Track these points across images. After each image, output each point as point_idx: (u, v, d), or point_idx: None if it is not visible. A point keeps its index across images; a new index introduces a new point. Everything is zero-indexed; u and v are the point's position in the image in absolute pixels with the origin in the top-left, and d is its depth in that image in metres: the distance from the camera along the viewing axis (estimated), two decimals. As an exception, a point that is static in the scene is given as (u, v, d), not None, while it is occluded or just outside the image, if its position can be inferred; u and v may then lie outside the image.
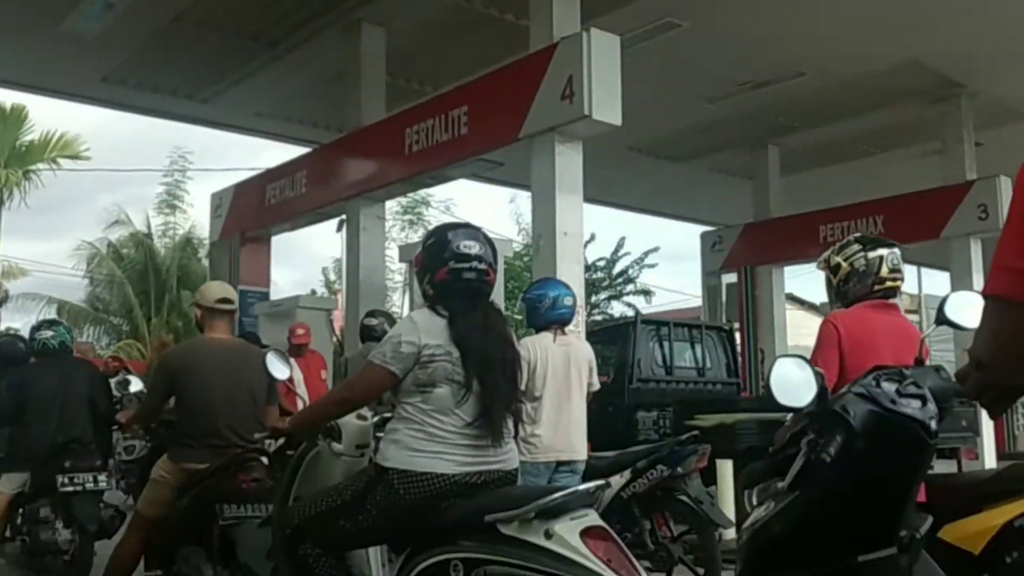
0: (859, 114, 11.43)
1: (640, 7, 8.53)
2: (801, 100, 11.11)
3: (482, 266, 2.92)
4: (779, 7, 8.97)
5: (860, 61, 9.99)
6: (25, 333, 7.56)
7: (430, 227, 20.77)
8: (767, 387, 2.09)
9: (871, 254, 3.23)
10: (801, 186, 13.31)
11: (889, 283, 3.23)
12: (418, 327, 2.85)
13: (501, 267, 6.35)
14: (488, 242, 2.99)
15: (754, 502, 2.28)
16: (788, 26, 9.37)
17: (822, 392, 2.08)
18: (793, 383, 2.10)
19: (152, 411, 4.63)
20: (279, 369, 3.70)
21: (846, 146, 12.58)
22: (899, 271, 3.27)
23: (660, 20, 8.95)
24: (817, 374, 2.09)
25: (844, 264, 3.26)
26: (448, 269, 2.89)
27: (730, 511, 6.05)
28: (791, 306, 16.49)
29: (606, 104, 6.56)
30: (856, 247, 3.27)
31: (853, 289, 3.24)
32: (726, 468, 6.62)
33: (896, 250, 3.30)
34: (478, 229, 3.02)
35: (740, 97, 11.08)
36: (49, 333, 6.13)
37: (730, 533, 6.18)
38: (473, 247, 2.91)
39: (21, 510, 6.10)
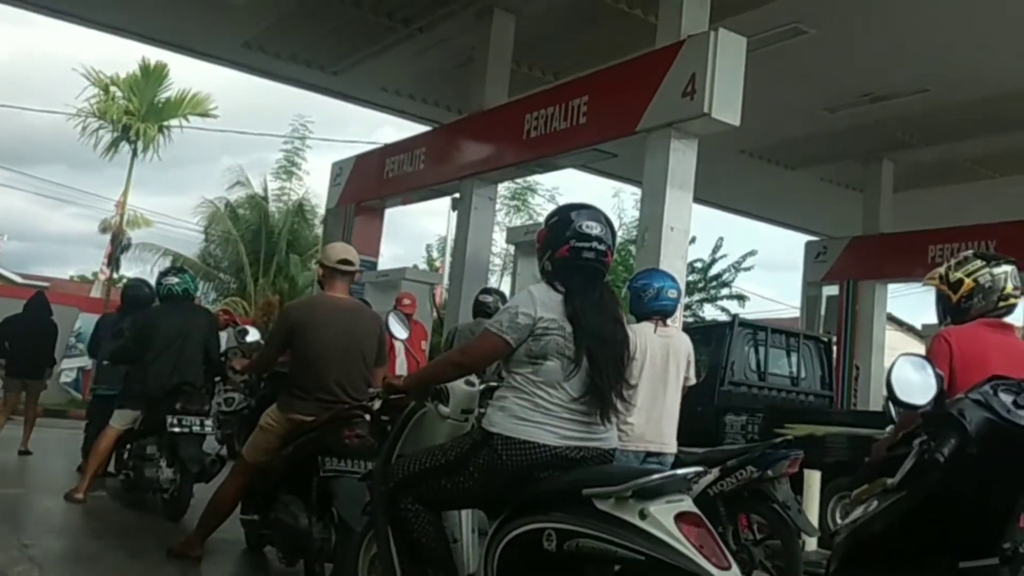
0: (980, 135, 11.09)
1: (770, 10, 8.45)
2: (922, 116, 10.83)
3: (602, 247, 2.99)
4: (910, 22, 8.77)
5: (986, 82, 9.68)
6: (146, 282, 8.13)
7: (534, 213, 20.81)
8: (887, 382, 2.10)
9: (996, 270, 3.15)
10: (912, 203, 12.97)
11: (1012, 300, 3.15)
12: (535, 300, 2.92)
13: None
14: (609, 224, 3.06)
15: (838, 518, 2.29)
16: (917, 42, 9.17)
17: (940, 394, 2.07)
18: (912, 382, 2.10)
19: (269, 359, 4.83)
20: (399, 330, 3.86)
21: (963, 167, 12.22)
22: (1020, 288, 3.18)
23: (788, 25, 8.85)
24: (937, 376, 2.08)
25: (968, 280, 3.17)
26: (569, 247, 2.97)
27: (815, 521, 5.96)
28: (889, 326, 15.96)
29: (726, 104, 6.56)
30: (979, 263, 3.18)
31: (977, 305, 3.15)
32: (814, 478, 6.53)
33: (1015, 267, 3.22)
34: (600, 211, 3.07)
35: (860, 109, 10.85)
36: (175, 280, 6.48)
37: (812, 543, 6.11)
38: (595, 228, 2.98)
39: (128, 446, 6.47)
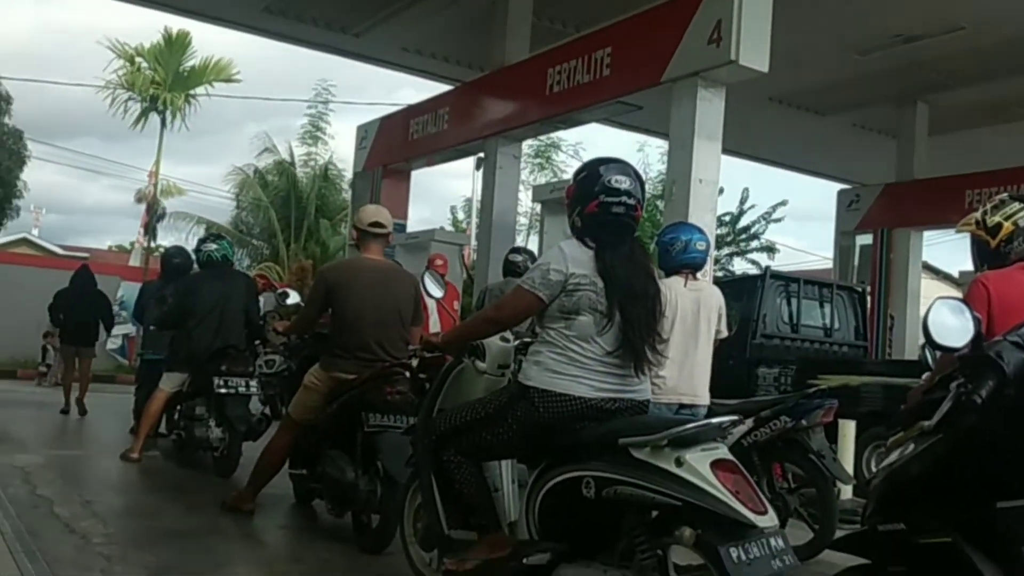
0: (1018, 75, 10.72)
1: (797, -50, 8.23)
2: (957, 56, 10.51)
3: (631, 201, 3.01)
4: (944, -44, 8.52)
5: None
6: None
7: (558, 171, 20.61)
8: (924, 325, 2.12)
9: None
10: (948, 147, 12.67)
11: None
12: (566, 256, 2.97)
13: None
14: (638, 178, 3.07)
15: (872, 467, 2.32)
16: (951, -24, 8.89)
17: (978, 337, 2.09)
18: (949, 325, 2.11)
19: (309, 320, 4.95)
20: (435, 289, 3.94)
21: (1001, 108, 11.84)
22: None
23: (816, -35, 8.63)
24: (975, 319, 2.10)
25: (1007, 224, 3.13)
26: (598, 202, 2.99)
27: (850, 470, 6.00)
28: (925, 275, 15.77)
29: (754, 50, 6.45)
30: (1017, 205, 3.14)
31: (1017, 249, 3.12)
32: (848, 428, 6.56)
33: None
34: (629, 165, 3.09)
35: (892, 50, 10.56)
36: (214, 246, 6.64)
37: (847, 492, 6.17)
38: (624, 182, 3.00)
39: (178, 407, 6.71)
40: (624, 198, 2.99)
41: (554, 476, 2.89)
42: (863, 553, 2.38)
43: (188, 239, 19.44)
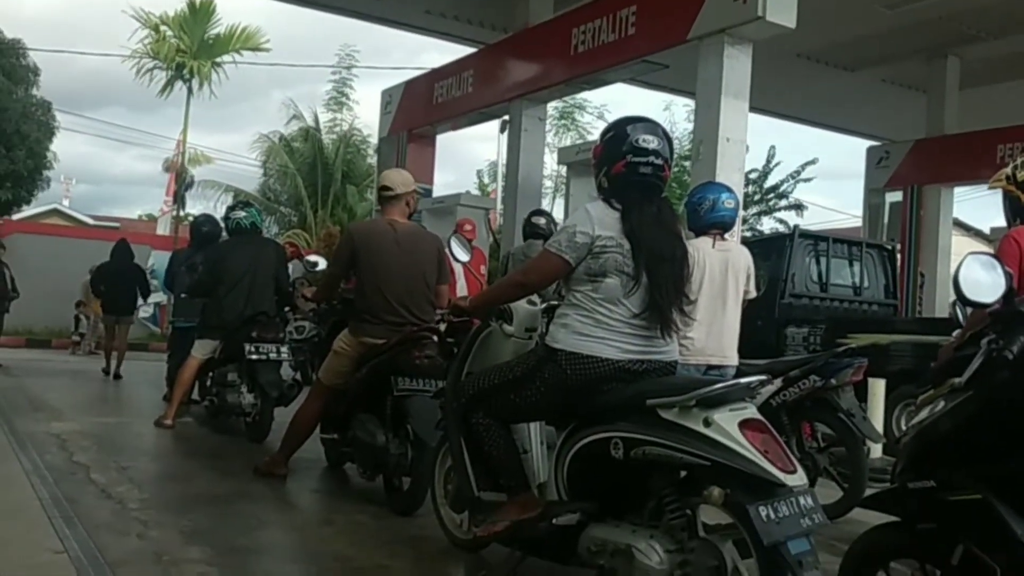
0: (1051, 25, 10.44)
1: (824, -99, 8.06)
2: (988, 7, 10.27)
3: (659, 161, 2.97)
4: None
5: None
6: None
7: (583, 132, 20.34)
8: (955, 281, 2.09)
9: None
10: (979, 101, 12.45)
11: None
12: (592, 218, 2.95)
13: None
14: (666, 137, 3.02)
15: (903, 425, 2.31)
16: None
17: (1010, 292, 2.06)
18: (980, 281, 2.09)
19: (335, 279, 4.99)
20: (461, 253, 3.94)
21: (1034, 60, 11.56)
22: None
23: (843, -85, 8.42)
24: (1007, 274, 2.08)
25: None
26: (625, 163, 2.96)
27: (879, 429, 5.98)
28: (956, 232, 15.54)
29: (781, 5, 6.37)
30: None
31: None
32: (878, 387, 6.53)
33: None
34: (657, 124, 3.04)
35: (921, 3, 10.30)
36: (242, 214, 6.69)
37: (877, 451, 6.15)
38: (652, 142, 2.95)
39: (210, 374, 6.80)
40: (652, 158, 2.95)
41: (582, 437, 2.90)
42: (893, 511, 2.38)
43: (216, 207, 19.60)
